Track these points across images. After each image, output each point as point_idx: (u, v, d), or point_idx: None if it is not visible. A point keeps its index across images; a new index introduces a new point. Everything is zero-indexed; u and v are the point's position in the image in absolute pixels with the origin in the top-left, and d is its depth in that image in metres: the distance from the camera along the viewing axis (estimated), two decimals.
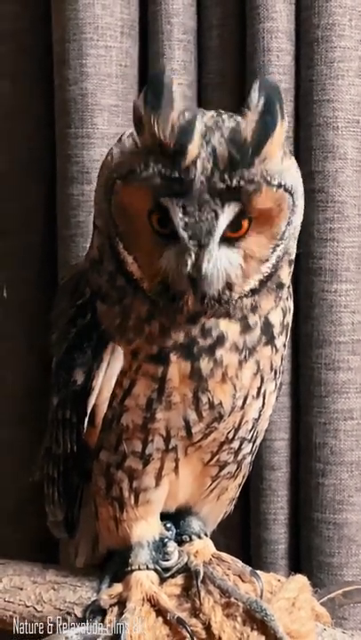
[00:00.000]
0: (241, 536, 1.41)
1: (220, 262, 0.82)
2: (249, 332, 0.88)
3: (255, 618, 0.91)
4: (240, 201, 0.80)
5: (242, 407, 0.91)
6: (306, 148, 1.29)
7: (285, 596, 0.95)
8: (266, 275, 0.86)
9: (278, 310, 0.90)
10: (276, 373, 0.93)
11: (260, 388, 0.92)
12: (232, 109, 1.32)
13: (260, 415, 0.94)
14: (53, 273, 1.43)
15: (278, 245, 0.86)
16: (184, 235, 0.79)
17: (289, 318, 0.93)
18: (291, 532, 1.36)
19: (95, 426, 0.92)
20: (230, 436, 0.93)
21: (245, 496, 1.39)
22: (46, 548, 1.37)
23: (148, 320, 0.87)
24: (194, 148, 0.77)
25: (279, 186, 0.81)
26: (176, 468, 0.93)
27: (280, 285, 0.89)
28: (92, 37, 1.32)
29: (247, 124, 0.78)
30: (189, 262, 0.80)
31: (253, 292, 0.86)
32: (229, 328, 0.87)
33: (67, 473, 1.01)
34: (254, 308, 0.87)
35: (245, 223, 0.83)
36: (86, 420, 0.91)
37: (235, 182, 0.78)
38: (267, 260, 0.86)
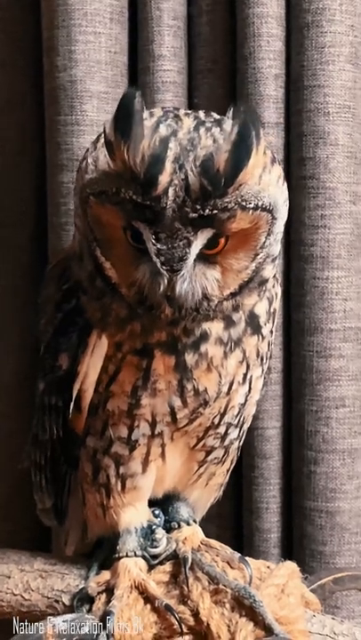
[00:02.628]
0: (233, 525, 1.41)
1: (196, 279, 0.81)
2: (233, 326, 0.88)
3: (244, 604, 0.90)
4: (213, 227, 0.79)
5: (228, 393, 0.91)
6: (297, 135, 1.28)
7: (275, 582, 0.95)
8: (246, 280, 0.85)
9: (264, 301, 0.90)
10: (262, 359, 0.93)
11: (245, 374, 0.91)
12: (223, 95, 1.34)
13: (246, 400, 0.94)
14: (45, 261, 1.42)
15: (258, 254, 0.85)
16: (156, 260, 0.78)
17: (276, 305, 0.93)
18: (283, 521, 1.36)
19: (81, 411, 0.91)
20: (216, 421, 0.93)
21: (238, 485, 1.39)
22: (38, 538, 1.37)
23: (128, 320, 0.87)
24: (165, 178, 0.76)
25: (255, 208, 0.80)
26: (163, 454, 0.93)
27: (263, 282, 0.88)
28: (80, 23, 1.30)
29: (220, 154, 0.75)
30: (162, 285, 0.79)
31: (234, 294, 0.85)
32: (212, 326, 0.87)
33: (54, 459, 1.00)
34: (236, 307, 0.87)
35: (222, 240, 0.81)
36: (72, 404, 0.91)
37: (207, 211, 0.77)
38: (246, 269, 0.85)
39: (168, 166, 0.76)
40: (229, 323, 0.87)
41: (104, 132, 0.79)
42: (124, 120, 0.76)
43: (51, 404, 0.95)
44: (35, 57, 1.40)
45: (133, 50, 1.37)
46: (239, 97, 1.29)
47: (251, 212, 0.80)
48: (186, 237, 0.78)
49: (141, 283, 0.82)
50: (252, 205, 0.79)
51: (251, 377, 0.92)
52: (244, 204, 0.78)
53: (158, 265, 0.78)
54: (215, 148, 0.76)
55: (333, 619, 0.96)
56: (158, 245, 0.78)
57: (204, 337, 0.87)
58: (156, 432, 0.91)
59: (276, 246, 0.87)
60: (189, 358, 0.87)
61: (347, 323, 1.29)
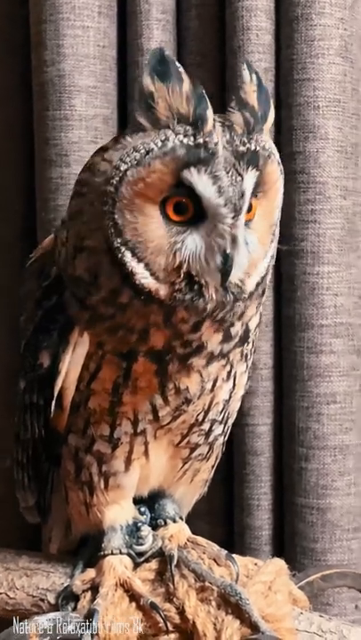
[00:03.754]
0: (224, 522, 1.40)
1: (245, 240, 0.82)
2: (228, 341, 0.87)
3: (230, 602, 0.90)
4: (257, 167, 0.81)
5: (211, 390, 0.90)
6: (287, 129, 1.27)
7: (262, 579, 0.94)
8: (262, 275, 0.86)
9: (256, 317, 0.91)
10: (247, 357, 0.93)
11: (230, 372, 0.91)
12: (213, 89, 1.32)
13: (230, 396, 0.93)
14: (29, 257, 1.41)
15: (274, 234, 0.87)
16: (219, 202, 0.78)
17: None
18: (274, 518, 1.35)
19: (63, 409, 0.91)
20: (200, 418, 0.92)
21: (229, 482, 1.38)
22: (29, 536, 1.36)
23: (139, 330, 0.84)
24: (211, 114, 0.78)
25: (278, 162, 0.84)
26: (146, 452, 0.92)
27: (264, 292, 0.89)
28: (68, 17, 1.30)
29: (250, 93, 0.80)
30: (227, 231, 0.79)
31: (250, 295, 0.85)
32: (211, 338, 0.86)
33: (36, 458, 1.00)
34: (241, 315, 0.87)
35: (254, 203, 0.83)
36: (53, 402, 0.90)
37: (253, 145, 0.80)
38: (265, 255, 0.86)
39: (210, 104, 0.78)
40: (227, 337, 0.87)
41: (141, 90, 0.79)
42: (162, 67, 0.77)
43: (32, 402, 0.94)
44: (23, 51, 1.39)
45: (122, 44, 1.36)
46: (229, 90, 1.28)
47: (276, 163, 0.84)
48: (240, 174, 0.79)
49: (189, 263, 0.80)
50: (276, 157, 0.84)
51: (235, 373, 0.91)
52: (271, 149, 0.83)
53: (221, 206, 0.78)
54: (246, 87, 0.81)
55: (321, 616, 0.95)
56: (219, 184, 0.78)
57: (198, 350, 0.86)
58: (138, 430, 0.90)
59: (275, 242, 0.89)
60: (171, 367, 0.86)
61: (338, 318, 1.28)
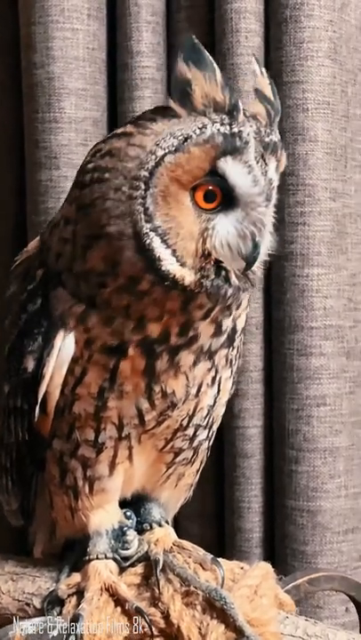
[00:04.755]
0: (215, 525, 1.40)
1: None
2: (218, 336, 0.88)
3: (215, 606, 0.89)
4: (277, 157, 0.83)
5: (196, 395, 0.90)
6: None
7: (248, 583, 0.93)
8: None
9: (244, 315, 0.92)
10: (231, 362, 0.93)
11: (214, 378, 0.91)
12: None
13: (215, 402, 0.93)
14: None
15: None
16: (254, 190, 0.80)
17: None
18: (265, 521, 1.35)
19: (47, 414, 0.90)
20: (185, 423, 0.92)
21: (219, 484, 1.38)
22: (15, 538, 1.36)
23: (139, 318, 0.84)
24: (242, 104, 0.80)
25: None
26: (130, 456, 0.92)
27: (254, 284, 0.89)
28: (57, 20, 1.30)
29: (265, 85, 0.84)
30: (259, 219, 0.81)
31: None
32: (205, 329, 0.86)
33: (20, 462, 0.99)
34: (238, 306, 0.88)
35: None
36: (37, 407, 0.90)
37: (274, 136, 0.83)
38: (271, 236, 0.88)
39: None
40: (218, 330, 0.87)
41: (176, 79, 0.79)
42: (197, 55, 0.78)
43: (16, 406, 0.94)
44: (13, 53, 1.39)
45: (112, 46, 1.37)
46: None
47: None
48: (267, 163, 0.82)
49: (218, 250, 0.82)
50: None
51: (220, 378, 0.91)
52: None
53: (255, 194, 0.80)
54: (260, 80, 0.84)
55: (307, 620, 0.95)
56: (254, 172, 0.80)
57: (191, 341, 0.86)
58: (123, 435, 0.90)
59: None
60: (159, 364, 0.86)
61: (327, 320, 1.28)
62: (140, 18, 1.32)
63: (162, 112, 0.81)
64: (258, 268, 0.86)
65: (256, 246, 0.82)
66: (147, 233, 0.80)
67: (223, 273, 0.82)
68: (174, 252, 0.81)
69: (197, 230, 0.81)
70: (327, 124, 1.26)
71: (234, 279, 0.83)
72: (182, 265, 0.81)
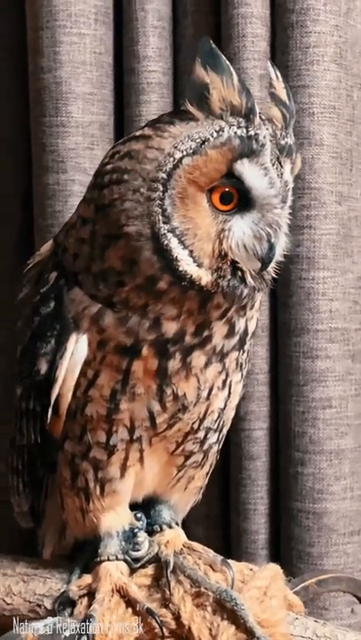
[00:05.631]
0: (221, 526, 1.41)
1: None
2: (231, 337, 0.89)
3: (225, 607, 0.90)
4: (291, 160, 0.84)
5: (207, 398, 0.91)
6: None
7: (257, 584, 0.94)
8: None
9: (255, 319, 0.93)
10: (241, 366, 0.93)
11: (225, 381, 0.91)
12: None
13: (226, 405, 0.94)
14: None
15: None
16: (270, 192, 0.82)
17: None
18: (271, 522, 1.36)
19: (59, 416, 0.91)
20: (195, 426, 0.92)
21: (225, 486, 1.39)
22: (24, 540, 1.36)
23: (154, 318, 0.85)
24: (258, 108, 0.81)
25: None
26: (141, 459, 0.93)
27: (268, 284, 0.90)
28: (65, 25, 1.30)
29: (279, 90, 0.85)
30: (275, 221, 0.83)
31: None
32: (219, 329, 0.87)
33: (31, 464, 1.00)
34: (252, 307, 0.90)
35: None
36: (50, 409, 0.90)
37: (289, 139, 0.84)
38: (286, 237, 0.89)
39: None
40: (231, 331, 0.88)
41: (194, 83, 0.80)
42: (214, 59, 0.80)
43: (28, 408, 0.94)
44: (20, 58, 1.39)
45: (118, 51, 1.37)
46: None
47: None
48: (283, 166, 0.83)
49: (234, 251, 0.83)
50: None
51: (230, 382, 0.92)
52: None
53: (271, 196, 0.82)
54: (276, 84, 0.86)
55: (316, 621, 0.95)
56: (270, 175, 0.81)
57: (205, 341, 0.87)
58: (134, 437, 0.90)
59: None
60: (172, 364, 0.86)
61: (333, 323, 1.29)
62: (147, 22, 1.32)
63: (179, 115, 0.83)
64: (272, 269, 0.87)
65: (272, 247, 0.83)
66: (164, 234, 0.81)
67: (239, 273, 0.83)
68: (191, 252, 0.82)
69: (214, 231, 0.82)
70: (333, 128, 1.27)
71: (249, 279, 0.84)
72: (199, 265, 0.82)
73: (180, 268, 0.82)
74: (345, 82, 1.29)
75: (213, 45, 0.80)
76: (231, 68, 0.80)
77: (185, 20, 1.36)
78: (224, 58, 0.80)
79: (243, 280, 0.84)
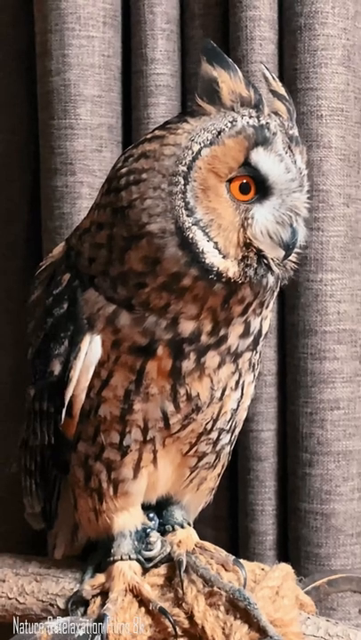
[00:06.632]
0: (229, 527, 1.41)
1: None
2: (246, 337, 0.89)
3: (238, 607, 0.90)
4: (300, 150, 0.87)
5: (220, 399, 0.91)
6: None
7: (269, 584, 0.95)
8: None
9: (268, 319, 0.93)
10: (254, 367, 0.94)
11: (238, 381, 0.92)
12: None
13: (238, 406, 0.94)
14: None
15: None
16: (287, 177, 0.83)
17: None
18: (278, 523, 1.36)
19: (73, 417, 0.91)
20: (208, 427, 0.93)
21: (233, 487, 1.39)
22: (32, 540, 1.37)
23: (172, 318, 0.86)
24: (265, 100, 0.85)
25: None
26: (154, 460, 0.93)
27: (291, 273, 0.91)
28: (73, 27, 1.31)
29: (278, 88, 0.88)
30: (295, 205, 0.85)
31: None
32: (235, 329, 0.87)
33: (44, 465, 1.00)
34: (267, 306, 0.90)
35: None
36: (64, 410, 0.91)
37: (295, 131, 0.86)
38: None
39: None
40: (246, 331, 0.89)
41: (202, 79, 0.83)
42: (219, 57, 0.83)
43: (42, 409, 0.95)
44: (28, 60, 1.40)
45: (127, 53, 1.38)
46: None
47: (305, 150, 0.89)
48: (294, 154, 0.85)
49: (258, 239, 0.84)
50: None
51: (243, 382, 0.92)
52: None
53: (288, 182, 0.84)
54: (272, 83, 0.89)
55: (328, 621, 0.96)
56: (285, 162, 0.84)
57: (221, 341, 0.87)
58: (147, 438, 0.91)
59: None
60: (186, 364, 0.87)
61: (341, 325, 1.29)
62: (155, 25, 1.33)
63: (189, 114, 0.85)
64: (294, 257, 0.88)
65: (294, 232, 0.85)
66: (189, 227, 0.82)
67: (265, 261, 0.84)
68: (216, 244, 0.83)
69: (238, 220, 0.84)
70: (341, 130, 1.28)
71: (275, 267, 0.85)
72: (225, 257, 0.83)
73: (207, 261, 0.82)
74: (353, 84, 1.29)
75: (215, 45, 0.83)
76: (234, 64, 0.83)
77: (193, 22, 1.36)
78: (226, 55, 0.83)
79: (268, 268, 0.85)
